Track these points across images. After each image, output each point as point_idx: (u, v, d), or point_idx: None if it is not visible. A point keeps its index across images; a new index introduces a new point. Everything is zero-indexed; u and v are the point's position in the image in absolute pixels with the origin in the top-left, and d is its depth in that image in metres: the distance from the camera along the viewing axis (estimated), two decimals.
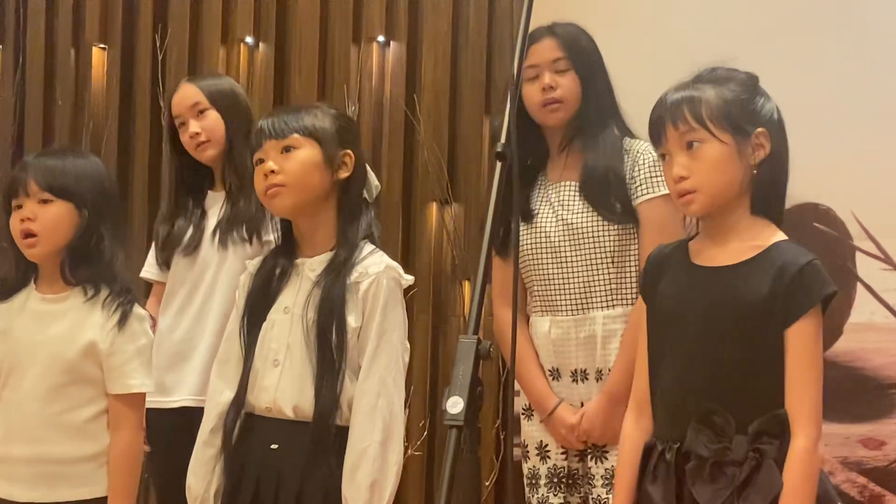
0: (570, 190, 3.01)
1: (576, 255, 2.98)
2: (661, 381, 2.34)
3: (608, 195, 2.96)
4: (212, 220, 3.29)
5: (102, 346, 2.67)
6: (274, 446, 2.55)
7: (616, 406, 2.93)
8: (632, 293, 2.98)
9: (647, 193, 2.96)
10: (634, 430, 2.38)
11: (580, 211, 2.98)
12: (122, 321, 2.68)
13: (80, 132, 4.56)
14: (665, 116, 2.29)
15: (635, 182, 2.96)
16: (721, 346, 2.25)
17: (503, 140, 1.96)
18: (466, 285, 3.98)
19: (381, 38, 4.14)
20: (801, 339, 2.21)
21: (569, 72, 2.99)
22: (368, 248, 2.63)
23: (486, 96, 4.00)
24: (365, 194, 2.71)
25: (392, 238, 4.00)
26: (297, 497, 2.51)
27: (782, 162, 2.31)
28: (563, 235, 2.98)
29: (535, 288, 3.03)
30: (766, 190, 2.29)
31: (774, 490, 2.17)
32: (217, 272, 3.25)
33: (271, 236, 3.17)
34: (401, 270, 2.62)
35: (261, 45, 4.32)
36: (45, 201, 2.69)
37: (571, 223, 2.98)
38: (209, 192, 3.35)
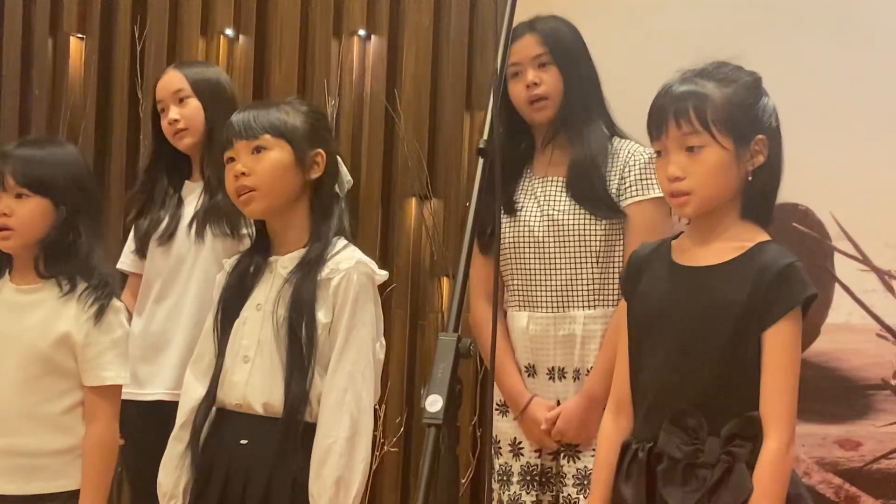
0: (556, 186, 3.00)
1: (559, 252, 2.97)
2: (639, 380, 2.33)
3: (595, 193, 2.95)
4: (188, 210, 3.28)
5: (77, 337, 2.66)
6: (243, 441, 2.55)
7: (593, 408, 2.93)
8: (614, 294, 2.96)
9: (637, 195, 2.95)
10: (613, 430, 2.38)
11: (566, 208, 2.97)
12: (99, 314, 2.67)
13: (56, 122, 4.53)
14: (668, 110, 2.26)
15: (625, 183, 2.96)
16: (698, 346, 2.24)
17: (485, 136, 1.95)
18: (445, 281, 3.97)
19: (362, 32, 4.13)
20: (779, 341, 2.20)
21: (551, 67, 2.98)
22: (341, 243, 2.62)
23: (467, 92, 3.99)
24: (336, 189, 2.70)
25: (371, 233, 3.99)
26: (264, 492, 2.51)
27: (777, 168, 2.30)
28: (548, 231, 2.97)
29: (515, 282, 3.02)
30: (758, 195, 2.29)
31: (745, 493, 2.17)
32: (193, 264, 3.24)
33: (249, 230, 3.16)
34: (374, 266, 2.61)
35: (241, 37, 4.30)
36: (21, 195, 2.68)
37: (557, 219, 2.97)
38: (186, 181, 3.33)
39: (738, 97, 2.26)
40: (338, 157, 2.72)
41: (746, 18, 3.44)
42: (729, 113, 2.24)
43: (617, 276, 2.96)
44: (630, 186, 2.96)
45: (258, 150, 2.58)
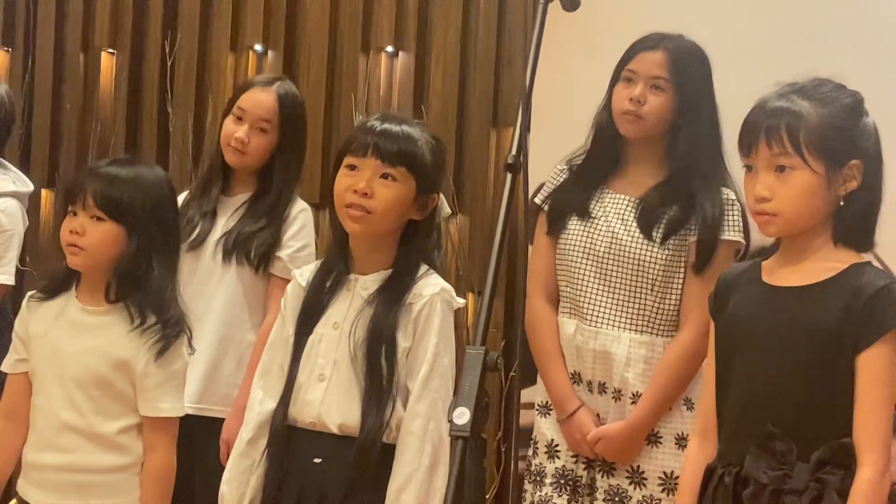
0: (628, 205, 2.95)
1: (617, 271, 2.93)
2: (726, 402, 2.27)
3: (660, 223, 2.91)
4: (220, 226, 3.26)
5: (137, 366, 2.65)
6: (317, 460, 2.50)
7: (635, 437, 2.91)
8: (664, 325, 2.93)
9: (734, 234, 2.90)
10: (698, 454, 2.32)
11: (631, 229, 2.93)
12: (163, 350, 2.65)
13: (87, 137, 4.57)
14: (760, 128, 2.20)
15: (700, 218, 2.89)
16: (788, 368, 2.18)
17: (513, 152, 1.96)
18: (471, 297, 3.97)
19: (389, 49, 4.15)
20: (873, 365, 2.12)
21: (665, 93, 2.92)
22: (423, 268, 2.56)
23: (493, 108, 4.00)
24: (433, 226, 2.64)
25: None
26: None
27: (875, 194, 2.23)
28: (609, 248, 2.93)
29: (568, 289, 2.99)
30: (851, 221, 2.21)
31: None
32: (219, 282, 3.22)
33: (282, 253, 3.16)
34: (453, 293, 2.56)
35: (269, 52, 4.33)
36: (97, 218, 2.65)
37: (620, 237, 2.92)
38: (221, 196, 3.29)
39: (835, 119, 2.19)
40: (441, 193, 2.66)
41: (779, 32, 3.42)
42: (823, 135, 2.17)
43: (671, 310, 2.92)
44: (702, 223, 2.89)
45: (387, 176, 2.51)
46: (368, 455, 2.45)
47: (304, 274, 2.63)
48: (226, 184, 3.30)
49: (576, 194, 2.99)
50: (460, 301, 2.59)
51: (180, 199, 3.15)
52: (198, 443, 3.11)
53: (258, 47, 4.32)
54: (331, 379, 2.51)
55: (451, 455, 1.78)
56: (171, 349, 2.66)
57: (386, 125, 2.54)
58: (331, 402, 2.50)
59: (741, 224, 2.91)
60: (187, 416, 3.13)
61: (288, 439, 2.54)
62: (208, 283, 3.24)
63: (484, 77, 4.01)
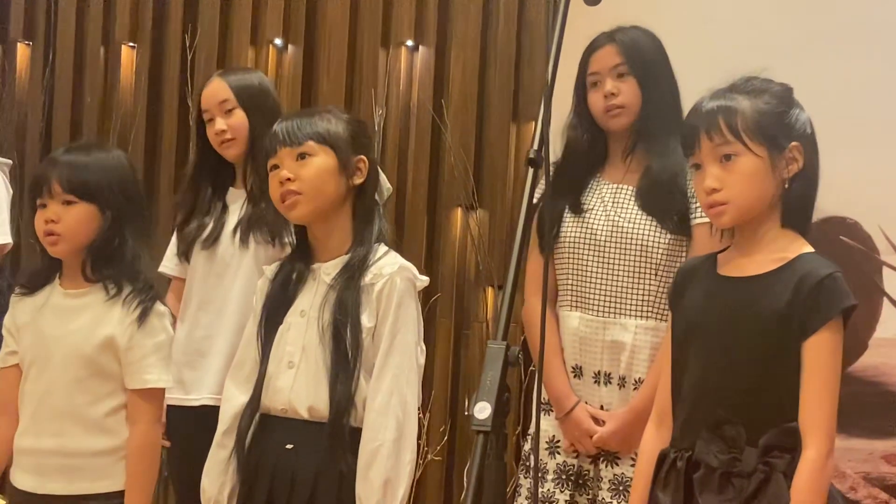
0: (627, 194, 2.99)
1: (620, 259, 2.95)
2: (680, 389, 2.33)
3: (665, 206, 2.94)
4: (232, 217, 3.29)
5: (121, 340, 2.68)
6: (289, 446, 2.56)
7: (638, 422, 2.91)
8: (667, 309, 2.95)
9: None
10: (654, 440, 2.38)
11: (633, 216, 2.96)
12: (143, 317, 2.69)
13: (107, 130, 4.58)
14: (700, 126, 2.28)
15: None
16: (738, 355, 2.24)
17: (535, 147, 1.96)
18: (490, 291, 3.98)
19: (409, 43, 4.15)
20: (818, 351, 2.19)
21: (629, 77, 2.97)
22: (382, 249, 2.64)
23: (513, 102, 3.99)
24: (376, 197, 2.72)
25: (416, 242, 4.01)
26: (310, 496, 2.53)
27: (814, 176, 2.30)
28: (610, 236, 2.96)
29: (570, 281, 3.01)
30: (796, 203, 2.29)
31: None
32: (237, 270, 3.25)
33: (290, 238, 3.18)
34: (415, 271, 2.63)
35: (290, 46, 4.33)
36: (68, 202, 2.69)
37: (621, 226, 2.95)
38: (230, 188, 3.33)
39: (769, 106, 2.27)
40: (377, 166, 2.74)
41: (791, 34, 3.42)
42: (759, 121, 2.25)
43: None
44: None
45: (302, 156, 2.61)
46: (338, 435, 2.51)
47: (272, 269, 2.71)
48: (232, 179, 3.34)
49: (561, 201, 3.00)
50: (423, 279, 2.65)
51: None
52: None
53: (278, 41, 4.33)
54: (299, 366, 2.57)
55: (473, 449, 1.79)
56: (152, 318, 2.70)
57: (284, 122, 2.67)
58: (300, 387, 2.56)
59: None
60: (209, 406, 3.16)
61: (259, 428, 2.60)
62: (225, 276, 3.26)
63: (504, 71, 4.00)
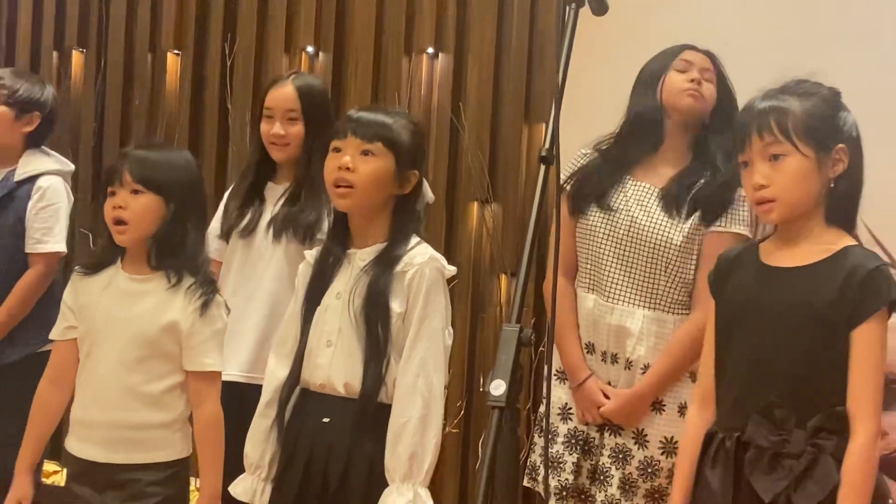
0: (649, 192, 2.96)
1: (635, 252, 2.93)
2: (726, 373, 2.28)
3: (682, 203, 2.91)
4: (268, 211, 3.28)
5: (183, 326, 2.67)
6: (326, 420, 2.55)
7: (642, 404, 2.92)
8: (675, 304, 2.93)
9: (721, 226, 2.90)
10: (698, 420, 2.33)
11: (652, 214, 2.93)
12: (204, 307, 2.68)
13: (154, 130, 4.59)
14: (751, 124, 2.23)
15: (717, 211, 2.90)
16: (787, 343, 2.19)
17: (547, 145, 1.95)
18: (503, 278, 3.97)
19: (430, 50, 4.13)
20: (866, 340, 2.14)
21: (710, 85, 2.97)
22: (414, 240, 2.61)
23: (525, 106, 3.97)
24: (417, 206, 2.68)
25: (436, 234, 3.99)
26: (345, 466, 2.52)
27: (858, 176, 2.25)
28: (628, 230, 2.93)
29: (588, 266, 2.99)
30: (841, 201, 2.24)
31: (831, 483, 2.11)
32: (269, 261, 3.25)
33: (323, 236, 3.18)
34: (444, 261, 2.60)
35: (320, 54, 4.33)
36: (136, 192, 2.68)
37: (639, 222, 2.92)
38: (269, 182, 3.31)
39: (818, 109, 2.22)
40: (424, 178, 2.69)
41: (796, 40, 3.40)
42: (809, 123, 2.20)
43: (682, 290, 2.92)
44: (724, 216, 2.90)
45: (367, 152, 2.56)
46: (368, 412, 2.50)
47: (312, 253, 2.69)
48: (272, 174, 3.32)
49: (599, 179, 2.98)
50: (451, 268, 2.62)
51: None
52: (248, 407, 3.12)
53: (310, 49, 4.32)
54: (336, 344, 2.56)
55: (489, 423, 1.78)
56: (212, 307, 2.69)
57: (363, 112, 2.62)
58: (337, 365, 2.55)
59: (747, 218, 2.91)
60: (238, 383, 3.17)
61: (300, 402, 2.59)
62: (258, 265, 3.26)
63: (516, 77, 3.99)
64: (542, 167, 1.95)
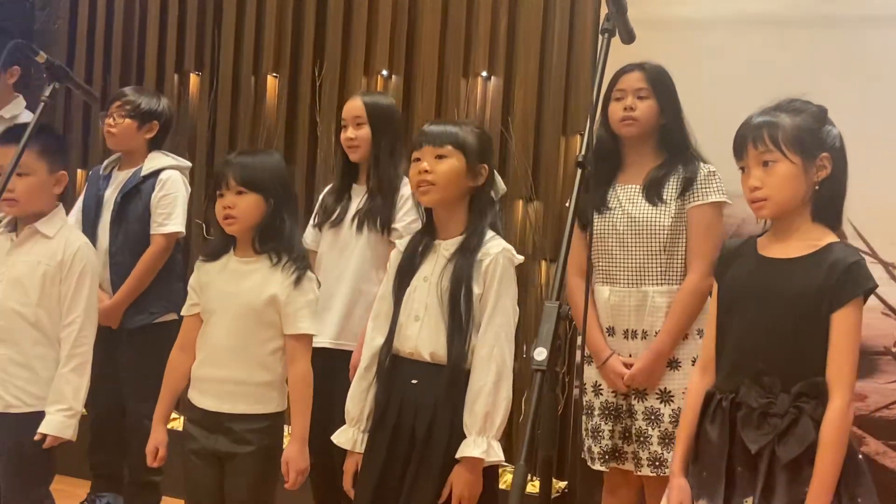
0: (634, 191, 2.98)
1: (635, 242, 2.94)
2: (725, 345, 2.28)
3: (663, 191, 2.94)
4: (353, 207, 3.31)
5: (281, 297, 2.70)
6: (414, 381, 2.54)
7: (659, 360, 2.91)
8: (678, 276, 2.94)
9: (698, 200, 2.92)
10: (700, 383, 2.32)
11: (641, 207, 2.95)
12: (298, 280, 2.71)
13: (256, 140, 4.62)
14: (748, 136, 2.23)
15: (690, 190, 2.93)
16: (777, 322, 2.18)
17: (583, 152, 1.94)
18: (543, 264, 3.96)
19: (484, 74, 4.12)
20: (844, 322, 2.13)
21: (648, 99, 2.95)
22: (490, 234, 2.59)
23: (563, 120, 3.96)
24: (493, 194, 2.67)
25: None
26: (430, 421, 2.52)
27: (841, 181, 2.24)
28: (627, 225, 2.95)
29: (601, 263, 3.00)
30: (825, 202, 2.22)
31: (809, 440, 2.12)
32: (353, 249, 3.28)
33: (398, 225, 3.19)
34: (514, 252, 2.59)
35: (393, 76, 4.33)
36: (240, 192, 2.71)
37: (633, 216, 2.95)
38: (354, 184, 3.35)
39: (805, 123, 2.21)
40: (495, 171, 2.68)
41: (798, 69, 3.37)
42: (796, 135, 2.19)
43: (680, 263, 2.93)
44: (693, 193, 2.92)
45: (440, 156, 2.56)
46: (456, 377, 2.49)
47: (403, 242, 2.69)
48: (357, 176, 3.34)
49: (595, 194, 3.00)
50: (519, 257, 2.60)
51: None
52: (336, 370, 3.16)
53: (385, 72, 4.33)
54: (423, 319, 2.55)
55: (532, 383, 1.78)
56: (304, 281, 2.71)
57: (433, 126, 2.62)
58: (424, 336, 2.54)
59: (723, 188, 2.92)
60: (328, 349, 3.19)
61: (392, 366, 2.58)
62: (345, 251, 3.29)
63: (556, 95, 3.97)
64: (579, 171, 1.94)
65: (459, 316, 2.51)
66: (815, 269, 2.16)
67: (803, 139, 2.19)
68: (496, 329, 2.51)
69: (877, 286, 2.17)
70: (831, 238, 2.21)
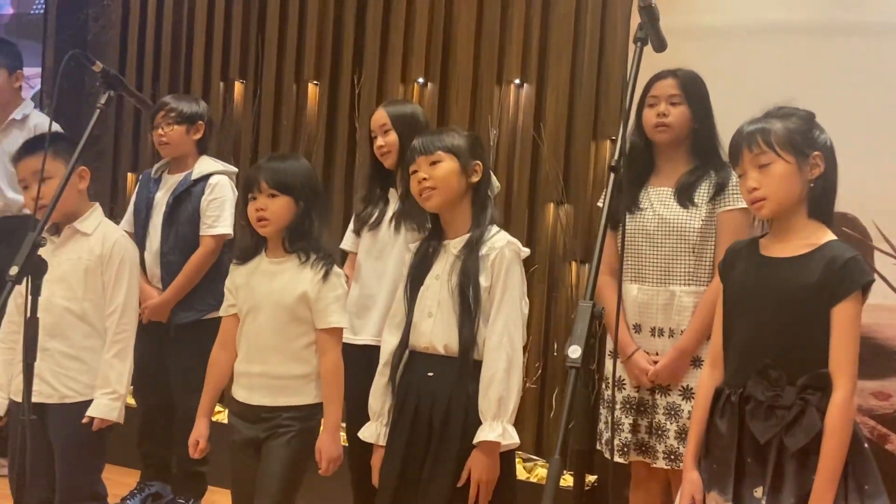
0: (666, 194, 2.97)
1: (665, 242, 2.93)
2: (731, 342, 2.30)
3: (695, 195, 2.93)
4: (390, 210, 3.33)
5: (311, 294, 2.72)
6: (430, 374, 2.58)
7: (683, 358, 2.90)
8: (706, 277, 2.92)
9: (729, 205, 2.90)
10: (709, 379, 2.34)
11: (672, 209, 2.94)
12: (326, 276, 2.73)
13: (297, 145, 4.64)
14: (742, 143, 2.26)
15: (722, 195, 2.92)
16: (780, 318, 2.20)
17: (616, 157, 1.93)
18: (574, 265, 3.95)
19: (517, 81, 4.12)
20: (844, 316, 2.14)
21: (681, 105, 2.94)
22: (494, 229, 2.63)
23: (594, 126, 3.94)
24: (489, 192, 2.70)
25: (520, 229, 3.99)
26: (446, 410, 2.54)
27: (833, 179, 2.26)
28: (657, 226, 2.94)
29: (629, 262, 2.99)
30: (819, 199, 2.24)
31: (814, 430, 2.13)
32: (392, 249, 3.29)
33: (429, 225, 3.19)
34: (519, 244, 2.61)
35: (429, 84, 4.34)
36: (272, 195, 2.74)
37: (664, 217, 2.93)
38: (391, 189, 3.37)
39: (795, 125, 2.23)
40: (489, 169, 2.72)
41: (811, 71, 3.34)
42: (787, 136, 2.21)
43: (707, 263, 2.92)
44: (725, 198, 2.91)
45: (434, 162, 2.60)
46: (466, 366, 2.52)
47: (415, 246, 2.73)
48: (393, 181, 3.35)
49: (626, 196, 2.98)
50: (525, 250, 2.62)
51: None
52: (378, 365, 3.15)
53: (421, 80, 4.34)
54: (436, 315, 2.58)
55: (567, 380, 1.77)
56: (332, 277, 2.72)
57: (419, 139, 2.65)
58: (437, 331, 2.57)
59: None
60: (371, 346, 3.20)
61: (409, 361, 2.62)
62: (384, 252, 3.30)
63: (587, 102, 3.95)
64: (612, 175, 1.93)
65: (468, 308, 2.54)
66: (815, 267, 2.17)
67: (795, 140, 2.21)
68: (504, 319, 2.53)
69: (874, 280, 2.18)
70: (829, 236, 2.23)
